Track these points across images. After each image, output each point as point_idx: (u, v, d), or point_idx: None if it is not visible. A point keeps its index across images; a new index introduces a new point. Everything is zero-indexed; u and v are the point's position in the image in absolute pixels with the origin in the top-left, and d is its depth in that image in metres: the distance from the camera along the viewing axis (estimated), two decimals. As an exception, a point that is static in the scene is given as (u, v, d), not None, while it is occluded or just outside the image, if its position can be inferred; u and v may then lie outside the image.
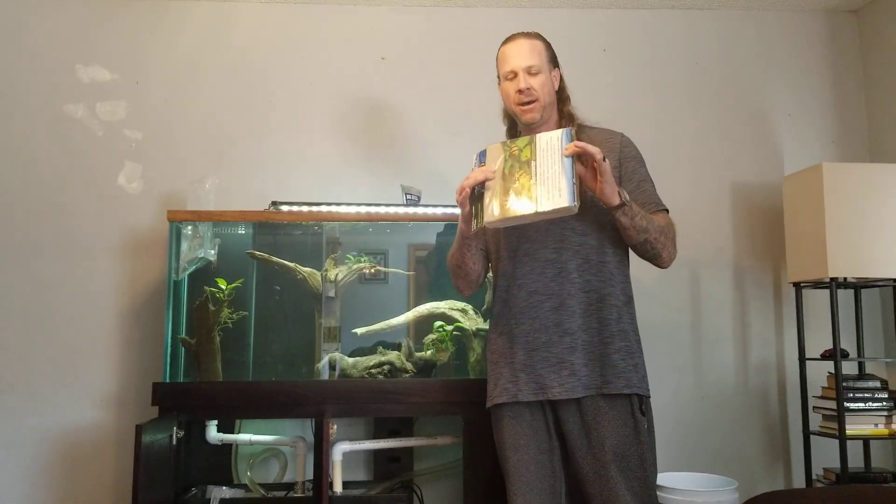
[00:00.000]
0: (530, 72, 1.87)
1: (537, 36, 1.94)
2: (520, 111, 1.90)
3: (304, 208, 2.62)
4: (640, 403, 1.82)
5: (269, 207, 2.64)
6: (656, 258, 1.87)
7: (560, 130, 1.69)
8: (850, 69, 3.19)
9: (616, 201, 1.72)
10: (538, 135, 1.71)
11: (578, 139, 1.87)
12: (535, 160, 1.66)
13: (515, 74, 1.88)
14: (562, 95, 1.97)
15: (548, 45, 1.95)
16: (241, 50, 2.99)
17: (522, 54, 1.88)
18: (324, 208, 2.63)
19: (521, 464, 1.81)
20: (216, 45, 2.98)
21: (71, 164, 2.86)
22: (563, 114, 1.96)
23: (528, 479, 1.80)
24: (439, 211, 2.62)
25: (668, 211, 1.93)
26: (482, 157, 1.79)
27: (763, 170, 3.10)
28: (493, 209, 1.67)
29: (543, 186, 1.62)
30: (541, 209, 1.62)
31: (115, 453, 2.72)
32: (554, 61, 1.96)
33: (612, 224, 1.84)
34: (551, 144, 1.67)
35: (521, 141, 1.72)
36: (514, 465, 1.81)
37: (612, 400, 1.80)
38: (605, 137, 1.94)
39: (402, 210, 2.61)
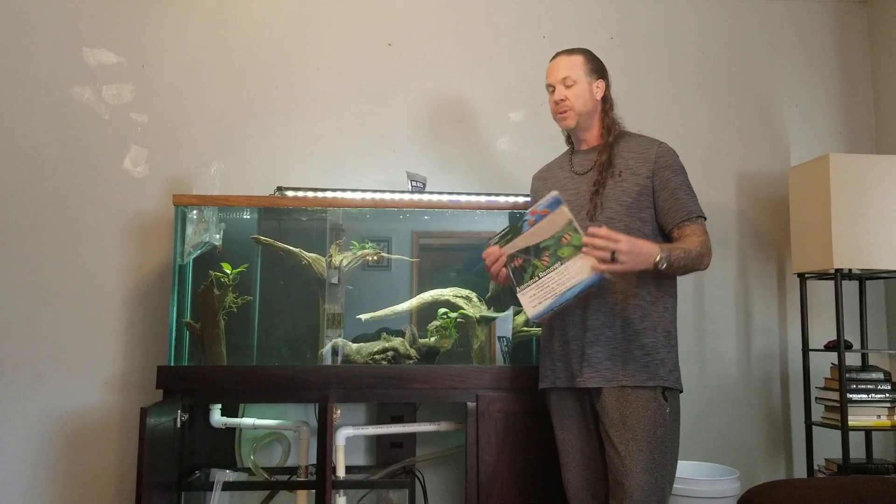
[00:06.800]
0: (566, 83, 2.06)
1: (577, 51, 2.11)
2: (556, 119, 2.12)
3: (310, 194, 2.62)
4: (663, 392, 1.94)
5: (275, 193, 2.64)
6: (696, 272, 2.02)
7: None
8: (857, 60, 3.17)
9: (651, 266, 1.84)
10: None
11: (617, 147, 2.03)
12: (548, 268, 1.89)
13: (554, 88, 2.09)
14: (604, 105, 2.10)
15: (589, 58, 2.10)
16: (249, 34, 2.98)
17: (559, 69, 2.08)
18: (329, 194, 2.62)
19: (567, 441, 2.05)
20: (223, 29, 2.98)
21: (76, 147, 2.86)
22: (604, 123, 2.09)
23: (573, 455, 2.04)
24: (444, 198, 2.61)
25: (703, 217, 2.02)
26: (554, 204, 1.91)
27: (769, 160, 3.09)
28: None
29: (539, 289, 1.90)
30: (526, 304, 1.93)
31: (119, 436, 2.74)
32: (598, 72, 2.10)
33: (639, 230, 1.98)
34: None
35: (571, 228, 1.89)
36: (561, 441, 2.07)
37: (636, 390, 1.93)
38: (641, 148, 2.04)
39: (406, 197, 2.61)
